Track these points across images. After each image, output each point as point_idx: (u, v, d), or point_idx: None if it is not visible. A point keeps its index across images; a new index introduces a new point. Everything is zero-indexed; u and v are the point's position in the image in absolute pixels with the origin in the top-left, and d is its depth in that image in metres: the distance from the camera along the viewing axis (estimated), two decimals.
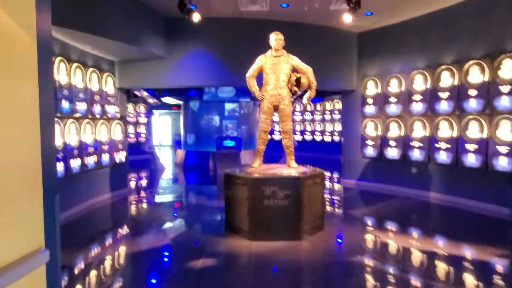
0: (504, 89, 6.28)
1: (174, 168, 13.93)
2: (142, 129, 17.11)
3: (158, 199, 8.75)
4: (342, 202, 8.23)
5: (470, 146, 6.90)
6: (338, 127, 16.39)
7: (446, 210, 7.10)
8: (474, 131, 6.86)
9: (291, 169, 5.46)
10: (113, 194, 8.08)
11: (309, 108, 17.89)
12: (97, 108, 7.33)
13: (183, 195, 9.38)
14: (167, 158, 17.77)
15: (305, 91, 5.68)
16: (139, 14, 7.23)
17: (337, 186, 9.94)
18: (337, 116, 16.49)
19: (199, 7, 7.08)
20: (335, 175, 12.14)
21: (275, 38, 5.39)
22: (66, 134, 6.24)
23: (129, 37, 6.95)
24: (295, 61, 5.50)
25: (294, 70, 5.54)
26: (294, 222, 5.02)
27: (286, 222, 5.02)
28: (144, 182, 11.22)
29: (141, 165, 14.02)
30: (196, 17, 6.66)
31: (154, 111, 22.89)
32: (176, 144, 14.90)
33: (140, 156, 15.41)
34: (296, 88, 5.49)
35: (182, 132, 14.50)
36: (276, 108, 5.51)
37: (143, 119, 17.17)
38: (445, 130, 7.43)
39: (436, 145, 7.58)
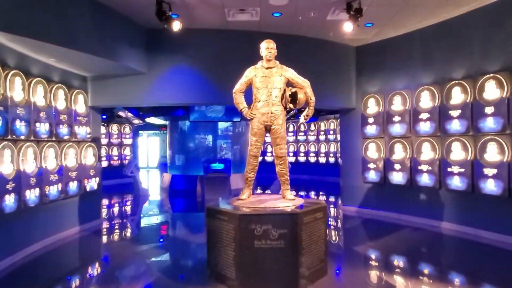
0: None
1: (159, 193, 12.90)
2: (127, 151, 16.18)
3: (135, 232, 7.72)
4: (344, 234, 7.29)
5: (489, 171, 6.08)
6: (333, 148, 15.64)
7: (462, 243, 6.21)
8: (493, 153, 6.06)
9: (287, 201, 4.54)
10: (83, 227, 7.05)
11: (302, 128, 17.14)
12: (63, 130, 6.40)
13: (165, 226, 8.35)
14: (153, 182, 16.73)
15: (300, 109, 4.84)
16: (114, 25, 6.43)
17: (336, 214, 9.01)
18: (332, 136, 15.79)
19: (181, 16, 6.33)
20: (332, 199, 11.27)
21: (266, 47, 4.58)
22: (20, 160, 5.28)
23: (103, 49, 6.12)
24: (290, 73, 4.68)
25: (289, 84, 4.73)
26: (291, 268, 4.07)
27: (282, 268, 4.07)
28: (123, 211, 10.15)
29: (123, 190, 12.98)
30: (176, 25, 5.88)
31: (142, 132, 22.00)
32: (163, 166, 13.92)
33: (123, 180, 14.41)
34: (291, 105, 4.64)
35: (168, 155, 13.53)
36: (268, 129, 4.65)
37: (128, 141, 16.24)
38: (458, 152, 6.62)
39: (448, 169, 6.76)
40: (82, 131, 6.98)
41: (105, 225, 7.85)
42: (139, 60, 7.06)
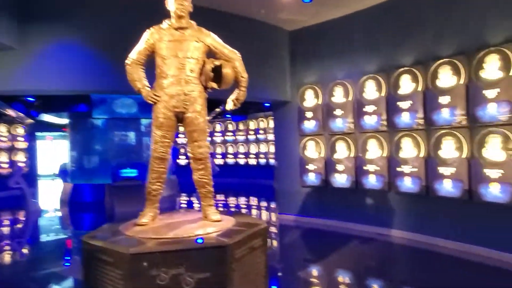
0: (491, 93, 4.77)
1: (58, 207, 10.54)
2: (20, 157, 13.35)
3: (8, 265, 5.65)
4: (281, 251, 6.05)
5: (446, 170, 5.28)
6: (264, 148, 14.61)
7: (416, 254, 5.38)
8: (450, 149, 5.27)
9: (210, 224, 3.08)
10: None
11: (230, 127, 15.84)
12: None
13: (53, 256, 6.33)
14: (52, 194, 14.03)
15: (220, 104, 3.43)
16: None
17: (271, 225, 7.77)
18: (262, 136, 14.74)
19: None
20: (263, 204, 10.12)
21: None
22: None
23: None
24: (212, 39, 3.25)
25: (211, 54, 3.29)
26: None
27: None
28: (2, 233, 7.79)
29: (10, 206, 10.38)
30: None
31: (43, 133, 18.90)
32: (63, 174, 11.55)
33: (13, 192, 11.69)
34: (214, 84, 3.21)
35: (69, 160, 11.19)
36: (180, 118, 3.16)
37: (22, 144, 13.43)
38: (409, 149, 5.76)
39: (398, 169, 5.88)
40: None
41: None
42: (6, 30, 5.07)
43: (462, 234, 5.19)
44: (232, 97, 3.37)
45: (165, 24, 3.18)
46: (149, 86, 3.16)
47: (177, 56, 3.07)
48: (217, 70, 3.18)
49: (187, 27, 3.15)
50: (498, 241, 4.77)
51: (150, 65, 3.22)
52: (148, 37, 3.14)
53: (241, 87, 3.34)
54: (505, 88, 4.64)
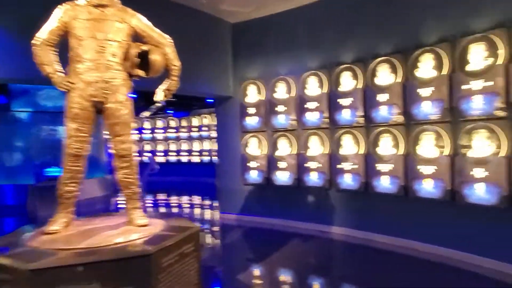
0: (424, 92, 4.88)
1: None
2: None
3: None
4: (222, 254, 5.79)
5: (383, 166, 5.35)
6: (208, 145, 14.25)
7: (357, 250, 5.39)
8: (387, 146, 5.35)
9: (135, 230, 2.73)
10: None
11: (172, 124, 15.24)
12: None
13: None
14: None
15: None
16: None
17: (212, 225, 7.49)
18: (205, 133, 14.35)
19: None
20: (206, 203, 9.82)
21: None
22: None
23: None
24: (138, 20, 2.89)
25: (137, 38, 2.92)
26: None
27: None
28: None
29: None
30: None
31: None
32: None
33: None
34: (140, 72, 2.85)
35: None
36: (100, 109, 2.76)
37: None
38: (350, 146, 5.79)
39: (339, 166, 5.88)
40: None
41: None
42: None
43: (398, 229, 5.30)
44: (163, 87, 3.04)
45: (82, 0, 2.75)
46: (63, 71, 2.74)
47: (95, 38, 2.67)
48: (143, 55, 2.82)
49: (109, 5, 2.77)
50: (432, 236, 4.92)
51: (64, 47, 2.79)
52: (61, 14, 2.71)
53: (172, 76, 3.02)
54: (438, 87, 4.77)
